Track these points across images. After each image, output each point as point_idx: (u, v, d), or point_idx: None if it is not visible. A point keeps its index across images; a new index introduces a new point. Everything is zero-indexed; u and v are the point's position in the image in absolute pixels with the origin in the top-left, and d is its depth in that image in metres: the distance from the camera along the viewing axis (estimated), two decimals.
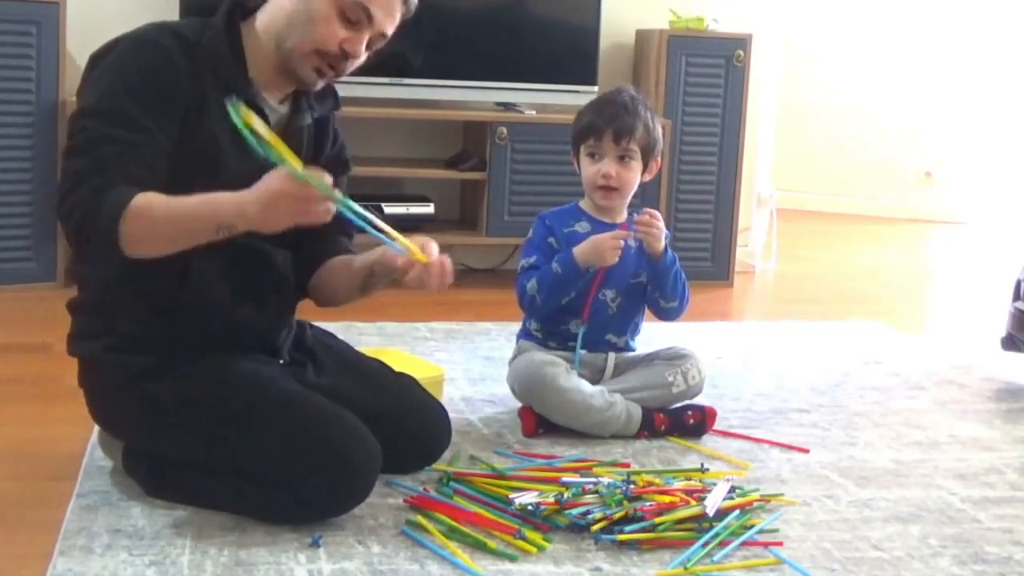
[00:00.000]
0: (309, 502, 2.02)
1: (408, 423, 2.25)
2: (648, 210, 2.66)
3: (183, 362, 2.08)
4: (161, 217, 1.91)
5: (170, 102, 2.00)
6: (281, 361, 2.22)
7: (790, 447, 2.61)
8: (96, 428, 2.27)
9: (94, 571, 1.84)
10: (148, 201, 1.90)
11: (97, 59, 2.05)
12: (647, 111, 2.67)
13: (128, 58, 2.01)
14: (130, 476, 2.18)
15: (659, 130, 2.69)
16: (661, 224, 2.63)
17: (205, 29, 2.09)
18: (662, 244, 2.62)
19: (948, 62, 6.62)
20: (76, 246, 1.99)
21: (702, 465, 2.40)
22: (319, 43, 2.06)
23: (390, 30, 2.12)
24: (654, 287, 2.68)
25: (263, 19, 2.12)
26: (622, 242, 2.58)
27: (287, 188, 1.84)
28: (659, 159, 2.71)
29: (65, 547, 1.92)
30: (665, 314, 2.73)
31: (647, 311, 2.77)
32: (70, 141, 1.98)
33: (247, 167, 1.94)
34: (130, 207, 1.88)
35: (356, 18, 2.07)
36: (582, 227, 2.67)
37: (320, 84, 2.14)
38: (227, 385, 2.08)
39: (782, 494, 2.30)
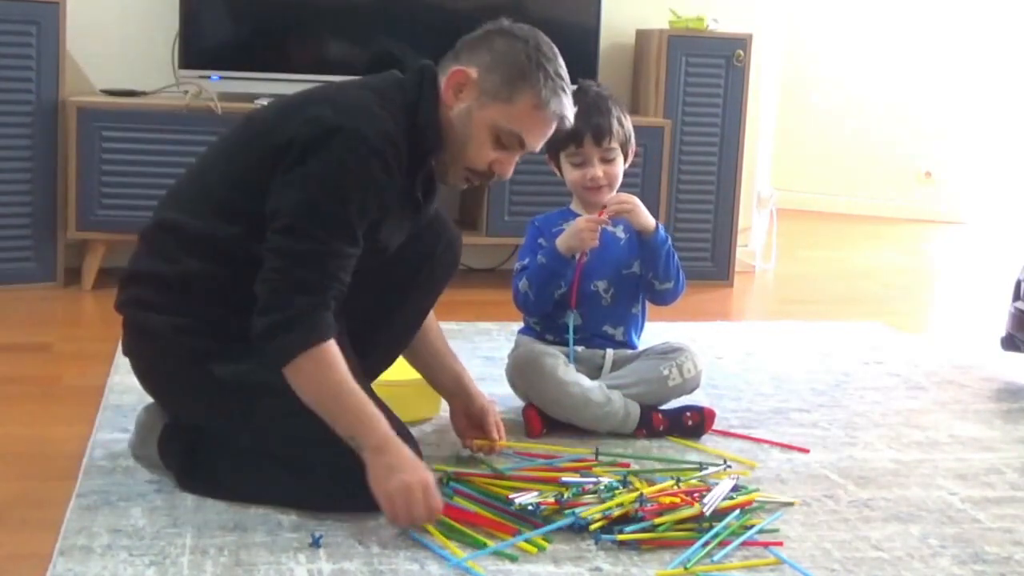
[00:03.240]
0: (354, 489, 2.01)
1: None
2: (615, 195, 2.65)
3: (249, 345, 2.06)
4: (329, 384, 2.00)
5: (377, 211, 2.08)
6: None
7: (790, 447, 2.61)
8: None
9: (94, 571, 1.85)
10: (334, 359, 1.99)
11: (332, 135, 2.01)
12: (614, 103, 2.67)
13: (360, 163, 2.02)
14: (163, 460, 2.18)
15: (628, 118, 2.70)
16: (632, 200, 2.60)
17: (416, 102, 2.12)
18: (647, 217, 2.60)
19: (948, 62, 6.61)
20: (263, 330, 2.00)
21: (701, 465, 2.40)
22: (469, 162, 2.15)
23: (539, 148, 2.21)
24: (647, 267, 2.66)
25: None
26: (598, 227, 2.56)
27: (421, 499, 1.96)
28: (634, 145, 2.72)
29: (65, 547, 1.92)
30: (660, 297, 2.71)
31: (647, 305, 2.76)
32: (297, 239, 1.99)
33: (396, 235, 2.18)
34: (321, 347, 1.98)
35: (509, 144, 2.14)
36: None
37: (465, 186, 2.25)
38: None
39: (782, 494, 2.31)
